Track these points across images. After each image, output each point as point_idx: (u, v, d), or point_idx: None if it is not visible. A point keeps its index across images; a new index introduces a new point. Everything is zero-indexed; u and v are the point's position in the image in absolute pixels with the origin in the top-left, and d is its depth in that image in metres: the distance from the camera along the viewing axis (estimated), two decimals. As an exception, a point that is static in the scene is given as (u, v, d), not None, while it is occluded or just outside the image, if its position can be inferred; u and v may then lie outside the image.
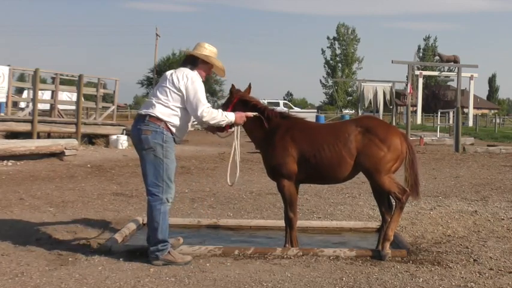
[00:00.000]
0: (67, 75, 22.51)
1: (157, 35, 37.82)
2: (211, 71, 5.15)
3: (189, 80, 4.79)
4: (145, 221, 5.69)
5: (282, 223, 6.31)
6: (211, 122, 4.90)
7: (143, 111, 4.80)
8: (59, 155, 12.87)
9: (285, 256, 4.95)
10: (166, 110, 4.76)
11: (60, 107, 20.06)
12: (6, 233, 5.67)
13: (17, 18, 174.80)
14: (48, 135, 16.60)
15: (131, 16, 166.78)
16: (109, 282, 4.20)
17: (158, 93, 4.82)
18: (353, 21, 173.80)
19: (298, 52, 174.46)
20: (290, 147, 5.15)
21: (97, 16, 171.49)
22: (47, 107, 20.14)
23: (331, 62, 79.95)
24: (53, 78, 19.13)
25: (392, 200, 5.28)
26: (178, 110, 4.80)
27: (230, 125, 5.12)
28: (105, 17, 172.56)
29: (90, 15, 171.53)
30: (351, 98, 76.44)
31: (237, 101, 5.29)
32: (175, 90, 4.77)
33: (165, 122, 4.74)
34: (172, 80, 4.81)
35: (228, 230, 6.20)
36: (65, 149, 12.95)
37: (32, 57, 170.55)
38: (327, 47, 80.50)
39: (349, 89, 77.58)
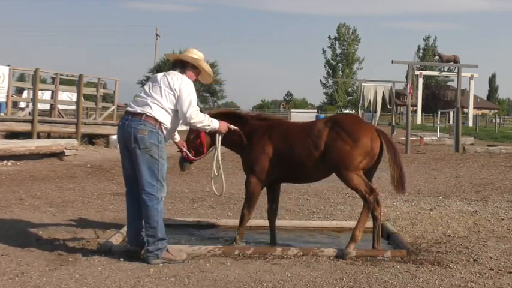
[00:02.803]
0: (67, 75, 22.50)
1: (157, 35, 37.87)
2: (198, 77, 5.19)
3: (184, 82, 4.86)
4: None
5: (281, 223, 6.33)
6: (198, 125, 4.94)
7: (138, 110, 4.78)
8: (59, 155, 12.87)
9: (285, 256, 4.95)
10: (162, 111, 4.79)
11: (60, 107, 20.06)
12: (6, 233, 5.66)
13: (17, 18, 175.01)
14: (48, 135, 16.60)
15: (131, 16, 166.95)
16: (109, 282, 4.19)
17: (153, 94, 4.82)
18: (353, 21, 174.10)
19: (298, 52, 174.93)
20: (267, 146, 5.30)
21: (97, 16, 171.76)
22: (47, 107, 20.13)
23: (331, 62, 79.94)
24: (53, 78, 19.13)
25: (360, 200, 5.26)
26: (171, 112, 4.85)
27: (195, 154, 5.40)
28: (105, 17, 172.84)
29: (90, 15, 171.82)
30: (351, 98, 76.43)
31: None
32: (170, 91, 4.81)
33: (160, 123, 4.78)
34: (168, 81, 4.85)
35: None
36: (65, 149, 12.96)
37: (32, 57, 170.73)
38: (328, 47, 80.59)
39: (349, 89, 77.58)
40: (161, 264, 4.64)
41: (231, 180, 9.54)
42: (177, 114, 4.87)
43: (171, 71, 5.00)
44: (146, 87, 4.93)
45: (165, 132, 4.84)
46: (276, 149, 5.27)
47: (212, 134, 5.26)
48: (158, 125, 4.76)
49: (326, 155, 5.12)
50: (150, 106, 4.77)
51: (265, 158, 5.27)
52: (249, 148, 5.38)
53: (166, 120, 4.82)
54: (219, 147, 5.28)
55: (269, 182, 5.44)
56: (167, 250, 4.75)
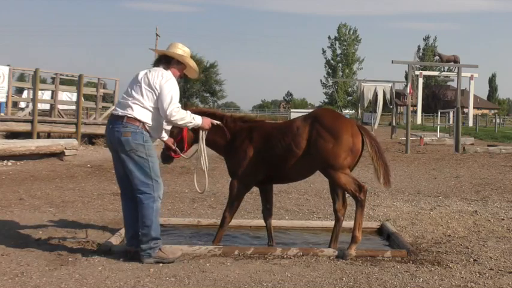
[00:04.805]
0: (67, 75, 22.51)
1: (157, 35, 37.85)
2: (183, 72, 5.15)
3: (164, 78, 4.79)
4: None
5: (281, 223, 6.34)
6: (180, 123, 4.87)
7: (120, 112, 4.74)
8: (59, 155, 12.87)
9: (285, 256, 4.95)
10: (143, 110, 4.74)
11: (60, 107, 20.06)
12: (6, 233, 5.67)
13: (17, 18, 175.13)
14: (48, 135, 16.60)
15: (131, 16, 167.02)
16: (109, 282, 4.19)
17: (134, 93, 4.77)
18: (353, 21, 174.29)
19: (298, 52, 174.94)
20: (249, 150, 5.25)
21: (97, 16, 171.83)
22: (47, 107, 20.14)
23: (331, 62, 79.88)
24: (53, 78, 19.14)
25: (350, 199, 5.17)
26: (153, 110, 4.78)
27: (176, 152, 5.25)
28: (105, 17, 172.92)
29: (90, 15, 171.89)
30: (351, 98, 76.40)
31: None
32: (150, 89, 4.75)
33: (143, 123, 4.73)
34: (148, 79, 4.78)
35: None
36: (65, 149, 12.95)
37: (32, 57, 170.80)
38: (328, 47, 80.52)
39: (349, 89, 77.54)
40: (161, 265, 4.64)
41: (227, 180, 9.52)
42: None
43: (154, 68, 4.94)
44: (128, 88, 4.87)
45: (150, 131, 4.79)
46: (259, 151, 5.23)
47: (196, 130, 5.20)
48: (141, 125, 4.71)
49: (309, 153, 5.06)
50: (131, 107, 4.72)
51: (248, 161, 5.22)
52: (232, 151, 5.34)
53: (148, 119, 4.76)
54: (204, 144, 5.22)
55: (254, 184, 5.43)
56: (160, 249, 4.74)
